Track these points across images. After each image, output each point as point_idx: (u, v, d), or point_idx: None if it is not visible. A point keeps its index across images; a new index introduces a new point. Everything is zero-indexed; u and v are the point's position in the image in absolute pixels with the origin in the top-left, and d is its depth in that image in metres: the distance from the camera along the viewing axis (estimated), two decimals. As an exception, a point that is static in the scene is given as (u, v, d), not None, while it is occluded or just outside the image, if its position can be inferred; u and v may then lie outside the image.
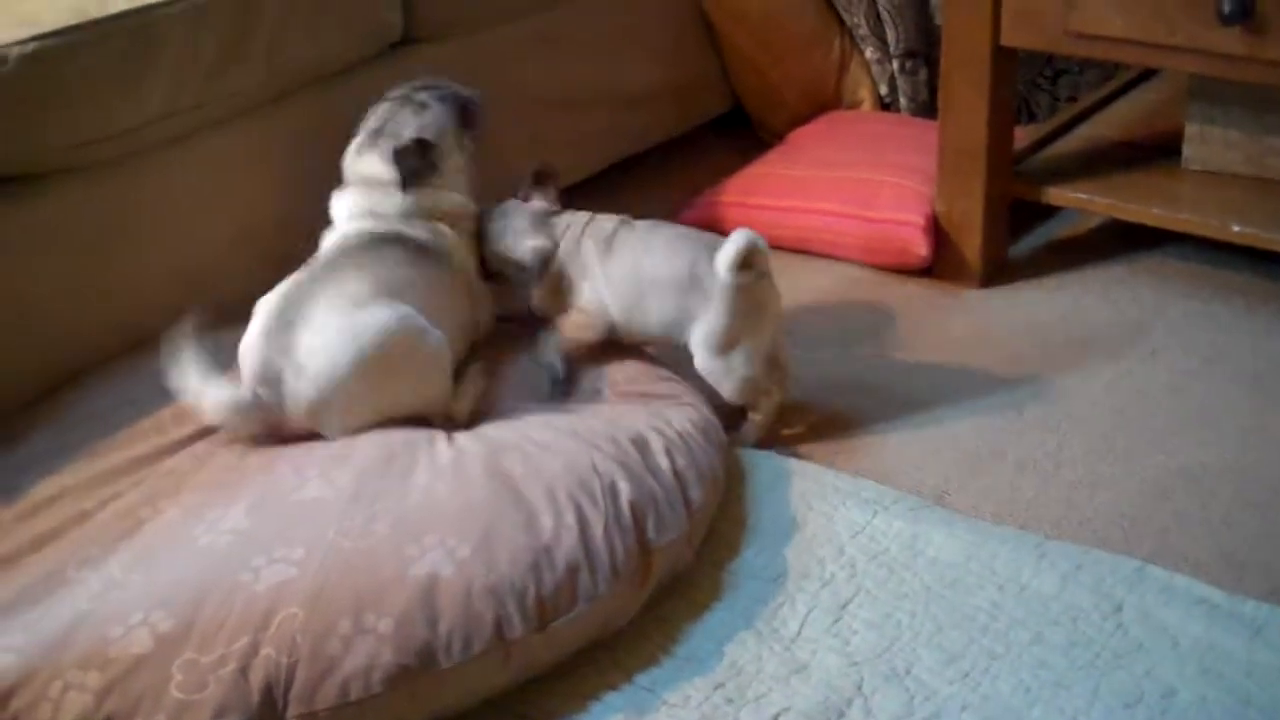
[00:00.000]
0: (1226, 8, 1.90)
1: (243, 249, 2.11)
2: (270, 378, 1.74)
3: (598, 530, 1.58)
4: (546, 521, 1.56)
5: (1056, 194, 2.29)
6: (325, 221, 2.14)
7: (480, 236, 2.01)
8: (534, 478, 1.63)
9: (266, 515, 1.56)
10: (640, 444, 1.72)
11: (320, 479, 1.61)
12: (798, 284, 2.36)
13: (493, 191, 2.06)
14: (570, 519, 1.57)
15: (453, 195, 1.99)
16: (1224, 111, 2.25)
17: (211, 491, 1.62)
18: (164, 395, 1.85)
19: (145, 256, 2.00)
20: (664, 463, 1.71)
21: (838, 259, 2.43)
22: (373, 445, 1.69)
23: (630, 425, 1.76)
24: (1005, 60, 2.20)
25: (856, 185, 2.44)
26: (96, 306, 1.96)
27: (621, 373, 1.93)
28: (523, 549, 1.53)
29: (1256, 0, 1.89)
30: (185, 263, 2.05)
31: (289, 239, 2.16)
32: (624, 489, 1.64)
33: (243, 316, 2.05)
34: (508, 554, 1.52)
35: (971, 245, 2.31)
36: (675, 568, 1.67)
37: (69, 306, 1.93)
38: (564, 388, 1.88)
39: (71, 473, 1.72)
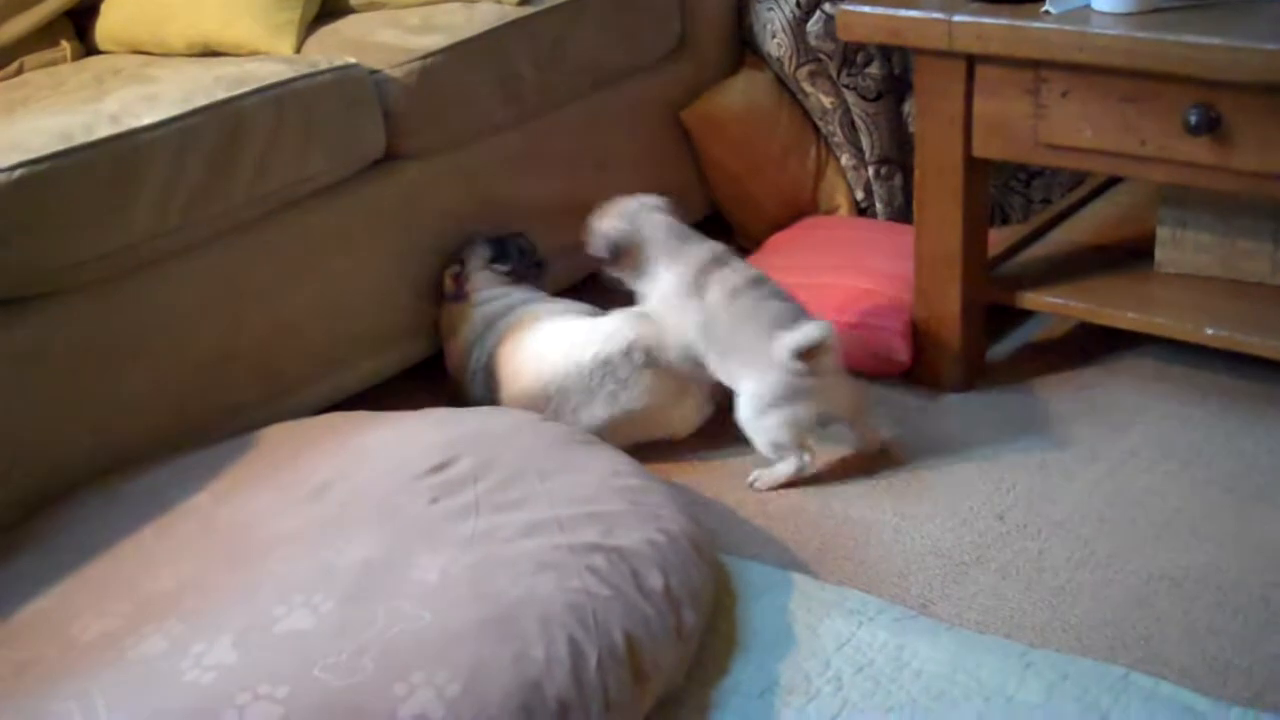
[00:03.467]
0: (1194, 119, 1.94)
1: (229, 366, 2.12)
2: None
3: (590, 662, 1.56)
4: (538, 654, 1.54)
5: (1032, 299, 2.32)
6: (311, 334, 2.16)
7: None
8: (526, 603, 1.61)
9: (250, 648, 1.54)
10: (634, 560, 1.72)
11: (304, 606, 1.60)
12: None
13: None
14: (562, 650, 1.56)
15: None
16: (1194, 215, 2.29)
17: (197, 619, 1.61)
18: (145, 514, 1.85)
19: (131, 375, 2.01)
20: (657, 583, 1.70)
21: (818, 364, 2.46)
22: (355, 561, 1.68)
23: (624, 536, 1.75)
24: (978, 170, 2.24)
25: (835, 291, 2.47)
26: (82, 426, 1.97)
27: (614, 465, 1.93)
28: (514, 686, 1.51)
29: (1222, 112, 1.93)
30: (172, 380, 2.06)
31: (275, 354, 2.19)
32: (617, 616, 1.62)
33: (225, 433, 2.07)
34: (499, 692, 1.50)
35: (949, 349, 2.34)
36: (667, 691, 1.66)
37: (52, 426, 1.95)
38: None
39: (55, 595, 1.72)
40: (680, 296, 2.18)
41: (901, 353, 2.37)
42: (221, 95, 2.06)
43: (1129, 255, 2.41)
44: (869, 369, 2.41)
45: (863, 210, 2.86)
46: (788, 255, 2.64)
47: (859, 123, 2.78)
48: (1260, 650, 1.73)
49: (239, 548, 1.76)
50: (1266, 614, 1.79)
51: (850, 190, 2.85)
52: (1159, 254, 2.34)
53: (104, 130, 1.94)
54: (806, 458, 2.12)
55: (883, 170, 2.81)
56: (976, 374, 2.38)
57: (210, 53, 2.49)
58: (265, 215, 2.14)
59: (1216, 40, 1.88)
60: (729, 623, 1.80)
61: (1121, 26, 1.96)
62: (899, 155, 2.79)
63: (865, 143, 2.79)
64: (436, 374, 2.45)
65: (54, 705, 1.50)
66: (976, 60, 2.12)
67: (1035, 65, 2.06)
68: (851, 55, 2.72)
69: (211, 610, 1.62)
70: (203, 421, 2.10)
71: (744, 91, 2.82)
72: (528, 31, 2.46)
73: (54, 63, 2.63)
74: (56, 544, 1.82)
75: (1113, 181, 2.69)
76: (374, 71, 2.27)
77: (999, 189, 2.78)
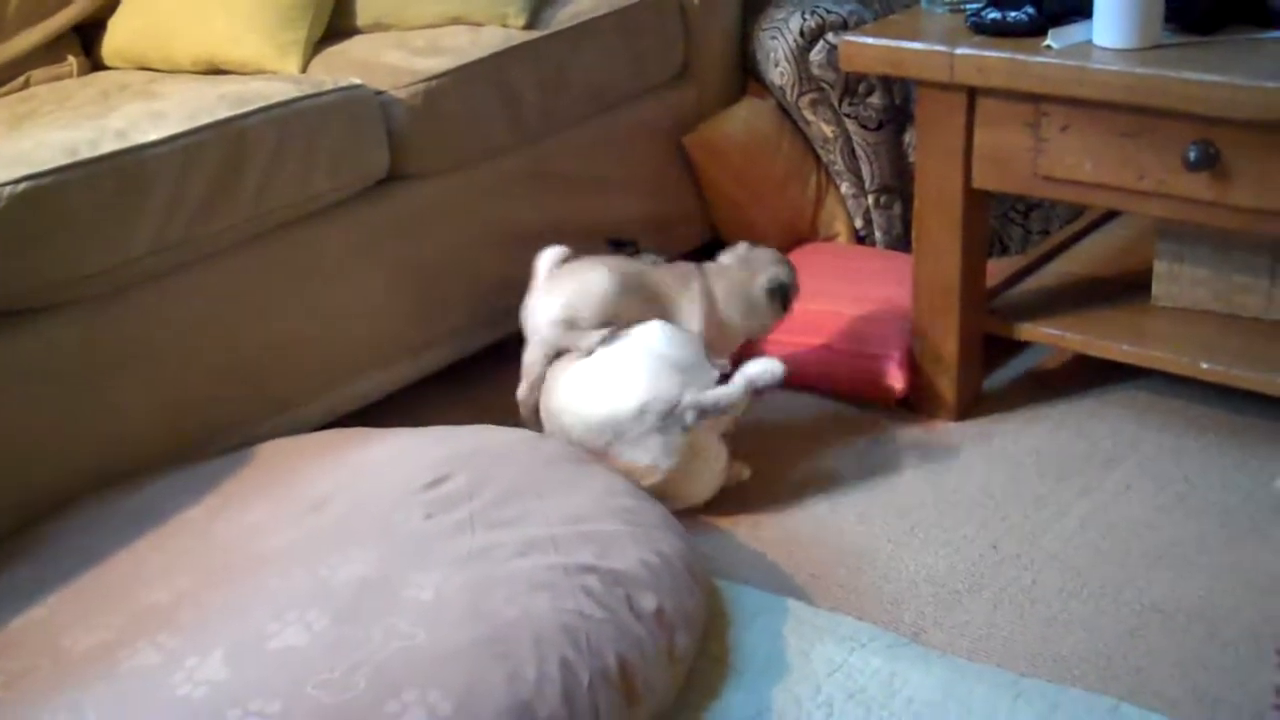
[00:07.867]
0: (1193, 155, 1.95)
1: (228, 381, 2.13)
2: None
3: (583, 683, 1.56)
4: (530, 674, 1.55)
5: (1029, 330, 2.33)
6: (311, 351, 2.16)
7: None
8: (520, 623, 1.61)
9: (243, 664, 1.54)
10: (628, 582, 1.72)
11: (298, 623, 1.59)
12: (774, 415, 2.39)
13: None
14: (554, 671, 1.56)
15: None
16: (1192, 250, 2.30)
17: (190, 633, 1.61)
18: (141, 526, 1.86)
19: (131, 389, 2.02)
20: (650, 605, 1.71)
21: (815, 390, 2.47)
22: (350, 579, 1.68)
23: (619, 558, 1.76)
24: (977, 202, 2.25)
25: (833, 318, 2.48)
26: (81, 439, 1.98)
27: (610, 484, 1.94)
28: (505, 706, 1.51)
29: (1221, 148, 1.94)
30: (170, 395, 2.07)
31: (274, 371, 2.19)
32: (610, 638, 1.63)
33: (223, 447, 2.08)
34: (490, 712, 1.50)
35: (946, 379, 2.35)
36: (658, 713, 1.66)
37: (53, 438, 1.95)
38: None
39: (48, 606, 1.72)
40: None
41: (898, 381, 2.37)
42: (226, 113, 2.07)
43: (1126, 288, 2.42)
44: (865, 396, 2.42)
45: (861, 238, 2.88)
46: (787, 282, 2.66)
47: (859, 151, 2.79)
48: (1251, 685, 1.73)
49: (234, 562, 1.76)
50: (1258, 648, 1.79)
51: (849, 218, 2.87)
52: (1156, 288, 2.36)
53: (110, 145, 1.95)
54: None
55: (882, 199, 2.82)
56: (972, 403, 2.39)
57: (216, 70, 2.50)
58: (268, 232, 2.15)
59: (1217, 77, 1.90)
60: (721, 646, 1.81)
61: (1122, 62, 1.97)
62: (899, 184, 2.80)
63: (865, 171, 2.81)
64: (434, 391, 2.46)
65: (45, 717, 1.50)
66: (978, 93, 2.13)
67: (1036, 99, 2.07)
68: (853, 85, 2.73)
69: (205, 624, 1.62)
70: (201, 435, 2.10)
71: (746, 119, 2.84)
72: (532, 55, 2.47)
73: (60, 78, 2.64)
74: (51, 555, 1.82)
75: (1111, 214, 2.70)
76: (379, 92, 2.28)
77: (997, 220, 2.79)
